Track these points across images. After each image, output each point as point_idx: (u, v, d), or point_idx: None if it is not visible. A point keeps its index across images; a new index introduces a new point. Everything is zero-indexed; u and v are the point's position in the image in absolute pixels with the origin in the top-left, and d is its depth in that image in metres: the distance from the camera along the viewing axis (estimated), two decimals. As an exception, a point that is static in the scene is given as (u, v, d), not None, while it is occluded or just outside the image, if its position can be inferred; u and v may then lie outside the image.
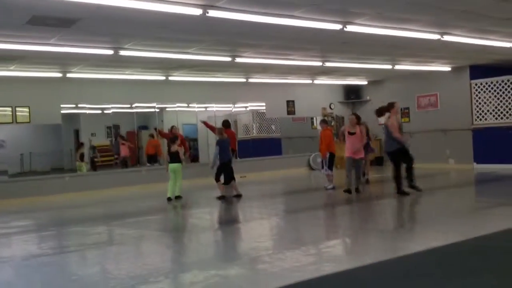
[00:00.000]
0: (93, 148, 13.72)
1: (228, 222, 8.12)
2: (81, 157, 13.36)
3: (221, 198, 9.94)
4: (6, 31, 7.41)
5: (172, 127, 14.07)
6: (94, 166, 13.58)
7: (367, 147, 10.48)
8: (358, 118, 10.00)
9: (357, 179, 9.69)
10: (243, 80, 14.35)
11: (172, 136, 10.91)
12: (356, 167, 9.57)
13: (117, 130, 14.28)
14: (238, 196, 9.99)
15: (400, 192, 8.86)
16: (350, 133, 9.55)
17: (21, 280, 4.92)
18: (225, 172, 9.93)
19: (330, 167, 10.49)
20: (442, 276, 4.09)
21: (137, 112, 14.16)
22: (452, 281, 3.96)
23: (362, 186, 9.92)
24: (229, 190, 10.12)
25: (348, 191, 9.46)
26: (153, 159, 14.36)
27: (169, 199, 10.20)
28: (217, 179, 10.00)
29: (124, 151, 14.03)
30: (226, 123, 12.67)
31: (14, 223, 8.69)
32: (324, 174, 10.78)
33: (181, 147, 11.90)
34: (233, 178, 10.02)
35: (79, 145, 13.49)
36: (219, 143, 10.01)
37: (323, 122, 11.00)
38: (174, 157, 10.28)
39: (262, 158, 15.53)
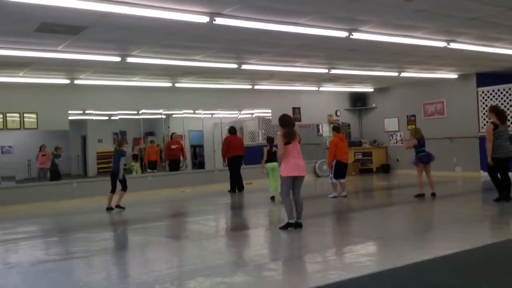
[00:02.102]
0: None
1: (234, 229, 8.12)
2: (135, 157, 13.82)
3: (109, 209, 10.06)
4: (15, 38, 7.50)
5: (173, 134, 14.18)
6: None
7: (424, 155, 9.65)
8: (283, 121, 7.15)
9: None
10: (249, 87, 14.39)
11: (269, 137, 11.63)
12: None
13: (123, 136, 14.34)
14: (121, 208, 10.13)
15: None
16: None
17: (28, 285, 4.94)
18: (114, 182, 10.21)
19: (336, 175, 10.18)
20: (452, 285, 4.07)
21: (143, 119, 14.23)
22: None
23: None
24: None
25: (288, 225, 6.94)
26: (154, 165, 14.42)
27: (272, 198, 10.54)
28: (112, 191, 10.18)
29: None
30: (232, 130, 12.77)
31: (21, 229, 8.73)
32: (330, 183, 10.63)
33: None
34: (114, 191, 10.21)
35: (133, 148, 13.96)
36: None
37: (333, 129, 10.88)
38: (274, 156, 10.46)
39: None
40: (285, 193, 6.95)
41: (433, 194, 9.66)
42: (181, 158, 14.31)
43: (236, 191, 12.51)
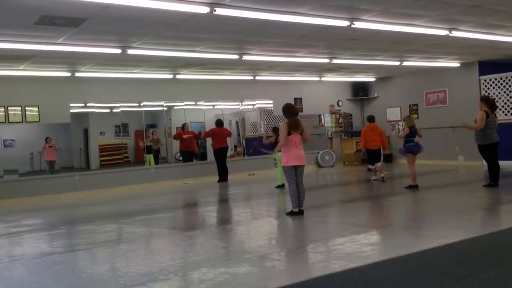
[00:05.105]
0: None
1: (236, 219, 8.14)
2: (148, 150, 14.01)
3: None
4: (15, 31, 7.47)
5: (184, 124, 14.21)
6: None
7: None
8: (287, 111, 7.40)
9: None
10: (251, 78, 14.35)
11: (275, 127, 11.79)
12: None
13: (125, 128, 14.36)
14: None
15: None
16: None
17: (32, 278, 4.96)
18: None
19: (370, 161, 11.46)
20: (455, 274, 4.08)
21: (145, 111, 14.22)
22: (466, 278, 3.94)
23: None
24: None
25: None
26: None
27: (278, 186, 10.88)
28: None
29: None
30: (218, 122, 13.22)
31: (25, 222, 8.77)
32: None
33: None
34: None
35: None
36: None
37: (367, 119, 11.84)
38: None
39: (270, 155, 15.53)
40: (290, 182, 7.21)
41: (415, 186, 9.50)
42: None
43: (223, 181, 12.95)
